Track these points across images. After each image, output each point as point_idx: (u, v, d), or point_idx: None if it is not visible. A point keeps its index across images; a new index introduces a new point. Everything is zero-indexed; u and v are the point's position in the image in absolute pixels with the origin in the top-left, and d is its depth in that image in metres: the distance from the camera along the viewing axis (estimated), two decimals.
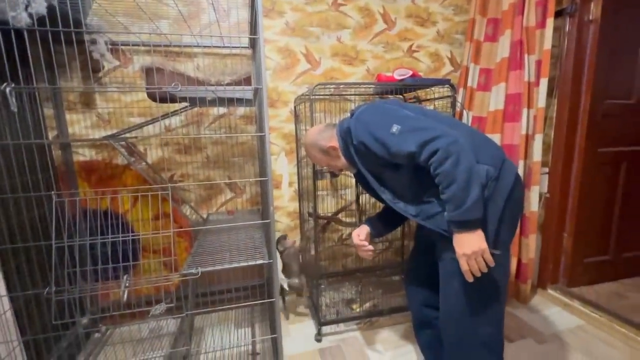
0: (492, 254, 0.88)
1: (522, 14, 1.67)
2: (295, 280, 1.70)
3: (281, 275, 1.68)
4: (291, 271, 1.71)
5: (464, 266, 0.88)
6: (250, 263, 1.12)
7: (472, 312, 0.94)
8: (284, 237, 1.78)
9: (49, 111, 1.54)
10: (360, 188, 1.82)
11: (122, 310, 1.19)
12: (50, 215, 1.02)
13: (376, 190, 1.10)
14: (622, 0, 1.70)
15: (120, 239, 0.97)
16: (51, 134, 1.56)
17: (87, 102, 1.63)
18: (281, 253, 1.71)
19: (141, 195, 1.57)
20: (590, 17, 1.69)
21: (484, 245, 0.86)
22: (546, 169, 1.87)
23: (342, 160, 1.13)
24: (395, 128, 0.90)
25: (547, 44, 1.58)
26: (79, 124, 1.63)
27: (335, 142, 1.12)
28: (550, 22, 1.57)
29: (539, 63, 1.65)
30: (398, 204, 1.07)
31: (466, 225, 0.86)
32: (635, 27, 1.78)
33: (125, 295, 0.94)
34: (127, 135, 1.59)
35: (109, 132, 1.63)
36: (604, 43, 1.71)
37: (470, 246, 0.85)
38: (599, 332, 1.62)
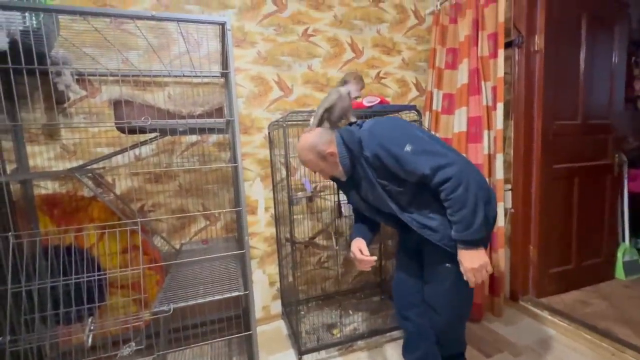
0: None
1: (477, 45, 1.82)
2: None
3: None
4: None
5: (471, 279, 0.99)
6: (226, 295, 1.10)
7: (458, 303, 1.17)
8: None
9: (7, 144, 1.46)
10: (343, 208, 1.84)
11: (86, 356, 1.10)
12: (5, 257, 0.95)
13: (384, 200, 1.11)
14: (562, 32, 1.90)
15: (85, 279, 0.92)
16: (9, 167, 1.47)
17: (51, 134, 1.57)
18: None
19: (107, 228, 1.50)
20: (536, 48, 1.87)
21: (487, 259, 0.99)
22: (509, 186, 1.99)
23: (339, 168, 1.14)
24: (409, 147, 0.97)
25: (500, 72, 1.73)
26: (41, 156, 1.56)
27: (334, 148, 1.12)
28: (501, 52, 1.72)
29: (494, 89, 1.78)
30: (404, 214, 1.10)
31: (473, 244, 0.97)
32: (575, 55, 1.99)
33: (90, 340, 0.88)
34: (94, 166, 1.54)
35: (74, 164, 1.57)
36: (550, 71, 1.89)
37: (477, 261, 0.97)
38: (568, 340, 1.69)
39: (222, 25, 1.00)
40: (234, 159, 1.13)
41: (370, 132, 1.06)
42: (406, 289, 1.30)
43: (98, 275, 0.95)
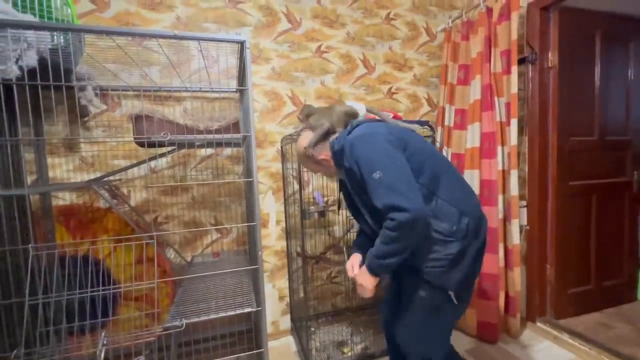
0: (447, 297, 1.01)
1: (489, 61, 1.83)
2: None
3: None
4: None
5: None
6: (238, 312, 1.08)
7: (423, 337, 1.09)
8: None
9: (29, 155, 1.51)
10: (348, 220, 1.83)
11: None
12: (25, 268, 0.96)
13: (361, 210, 1.12)
14: (576, 49, 1.90)
15: (100, 293, 0.92)
16: (30, 178, 1.51)
17: (71, 146, 1.61)
18: None
19: (123, 240, 1.52)
20: (549, 65, 1.86)
21: (369, 287, 1.04)
22: (524, 202, 1.95)
23: (334, 168, 1.15)
24: (377, 174, 0.93)
25: (514, 89, 1.72)
26: (60, 168, 1.60)
27: (327, 154, 1.13)
28: (514, 69, 1.72)
29: (508, 105, 1.78)
30: (377, 227, 1.07)
31: (369, 269, 1.01)
32: (589, 72, 1.97)
33: (102, 356, 0.88)
34: (111, 178, 1.57)
35: (92, 175, 1.61)
36: (564, 86, 1.88)
37: (363, 280, 1.04)
38: None
39: (242, 43, 1.03)
40: (249, 173, 1.14)
41: (352, 145, 1.01)
42: (389, 304, 1.33)
43: (114, 289, 0.95)
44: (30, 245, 0.89)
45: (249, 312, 1.72)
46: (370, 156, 0.97)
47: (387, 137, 1.01)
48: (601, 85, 1.98)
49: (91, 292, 0.92)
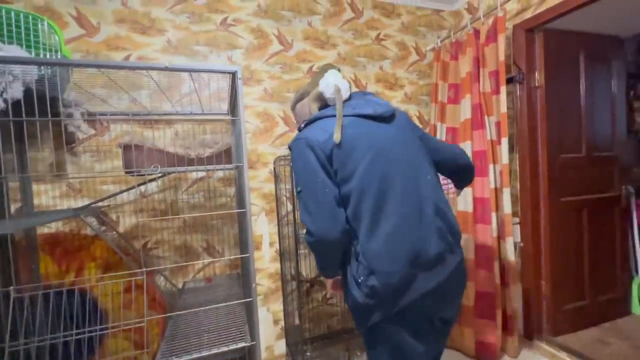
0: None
1: (478, 81, 1.86)
2: None
3: None
4: None
5: None
6: (231, 347, 1.05)
7: None
8: None
9: (14, 183, 1.46)
10: None
11: None
12: (5, 313, 0.92)
13: None
14: (561, 68, 1.95)
15: (87, 335, 0.88)
16: (14, 206, 1.46)
17: (58, 173, 1.57)
18: None
19: (110, 268, 1.47)
20: (537, 84, 1.90)
21: (327, 284, 1.12)
22: (517, 219, 1.96)
23: None
24: (298, 188, 0.95)
25: (503, 108, 1.75)
26: (46, 194, 1.55)
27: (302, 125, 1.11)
28: (503, 89, 1.75)
29: (498, 124, 1.80)
30: None
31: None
32: (575, 90, 2.02)
33: None
34: (99, 204, 1.53)
35: (80, 202, 1.56)
36: (551, 105, 1.92)
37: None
38: None
39: (233, 74, 1.02)
40: (242, 203, 1.12)
41: (291, 150, 0.99)
42: None
43: (100, 329, 0.91)
44: (11, 287, 0.84)
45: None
46: (296, 168, 0.96)
47: (317, 151, 0.90)
48: (586, 103, 2.03)
49: (77, 334, 0.88)
